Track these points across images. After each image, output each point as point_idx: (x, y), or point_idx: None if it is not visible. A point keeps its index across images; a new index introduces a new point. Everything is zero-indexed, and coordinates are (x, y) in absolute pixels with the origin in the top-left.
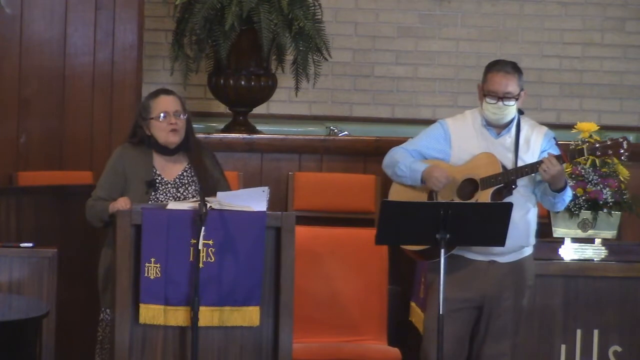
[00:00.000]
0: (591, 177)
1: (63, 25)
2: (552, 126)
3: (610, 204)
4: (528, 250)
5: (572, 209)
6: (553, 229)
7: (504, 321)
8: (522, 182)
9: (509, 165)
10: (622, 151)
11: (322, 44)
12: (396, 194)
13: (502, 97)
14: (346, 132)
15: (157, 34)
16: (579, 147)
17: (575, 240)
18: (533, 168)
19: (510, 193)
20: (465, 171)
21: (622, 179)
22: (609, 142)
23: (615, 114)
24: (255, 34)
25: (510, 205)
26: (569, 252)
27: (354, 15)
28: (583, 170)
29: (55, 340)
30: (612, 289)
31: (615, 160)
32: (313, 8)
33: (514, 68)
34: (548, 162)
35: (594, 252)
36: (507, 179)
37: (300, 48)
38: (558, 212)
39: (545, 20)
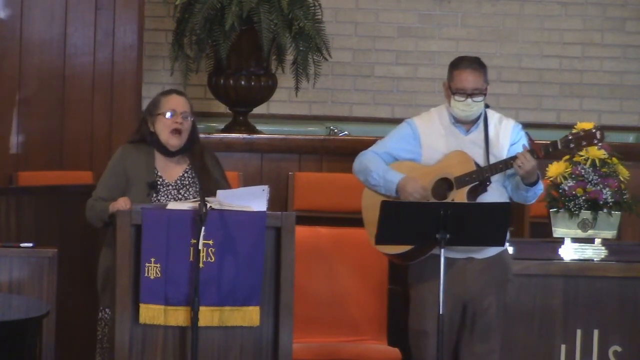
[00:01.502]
0: (591, 177)
1: (63, 25)
2: (552, 126)
3: (610, 204)
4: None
5: (572, 209)
6: (553, 229)
7: (488, 318)
8: (494, 178)
9: (480, 161)
10: (595, 141)
11: (322, 44)
12: (369, 198)
13: (471, 93)
14: (346, 132)
15: (157, 34)
16: (553, 141)
17: (575, 240)
18: (507, 164)
19: (485, 190)
20: (438, 171)
21: (622, 179)
22: (581, 134)
23: (615, 114)
24: (255, 34)
25: (510, 205)
26: (569, 252)
27: (354, 15)
28: (583, 170)
29: (55, 340)
30: (612, 289)
31: (615, 161)
32: (313, 8)
33: (479, 64)
34: (523, 158)
35: (594, 252)
36: (481, 177)
37: (300, 48)
38: (558, 213)
39: (545, 20)
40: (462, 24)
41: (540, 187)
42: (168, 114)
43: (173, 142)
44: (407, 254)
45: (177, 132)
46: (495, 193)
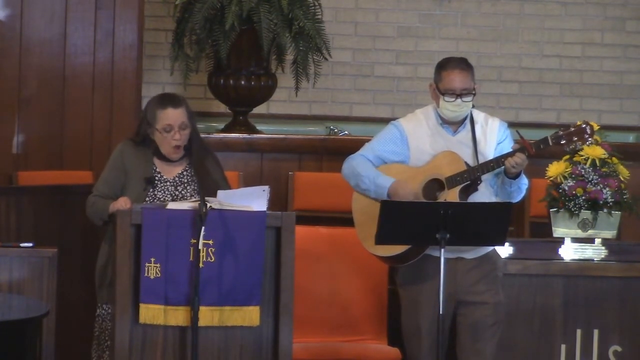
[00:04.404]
0: (591, 177)
1: (63, 25)
2: (552, 126)
3: (610, 204)
4: None
5: (572, 209)
6: (553, 229)
7: (482, 316)
8: (484, 177)
9: (469, 160)
10: (586, 136)
11: (322, 44)
12: (359, 201)
13: (460, 94)
14: (346, 132)
15: (157, 34)
16: (544, 137)
17: (575, 240)
18: (499, 162)
19: (476, 189)
20: (429, 171)
21: (622, 179)
22: (572, 129)
23: (615, 114)
24: (255, 34)
25: (510, 205)
26: (569, 252)
27: (354, 15)
28: (583, 170)
29: (55, 340)
30: (612, 289)
31: (615, 160)
32: (313, 8)
33: (467, 64)
34: (517, 158)
35: (594, 252)
36: (473, 176)
37: (300, 48)
38: (558, 213)
39: (545, 20)
40: (462, 24)
41: (525, 182)
42: (165, 131)
43: (174, 155)
44: (401, 256)
45: (176, 147)
46: (486, 192)
